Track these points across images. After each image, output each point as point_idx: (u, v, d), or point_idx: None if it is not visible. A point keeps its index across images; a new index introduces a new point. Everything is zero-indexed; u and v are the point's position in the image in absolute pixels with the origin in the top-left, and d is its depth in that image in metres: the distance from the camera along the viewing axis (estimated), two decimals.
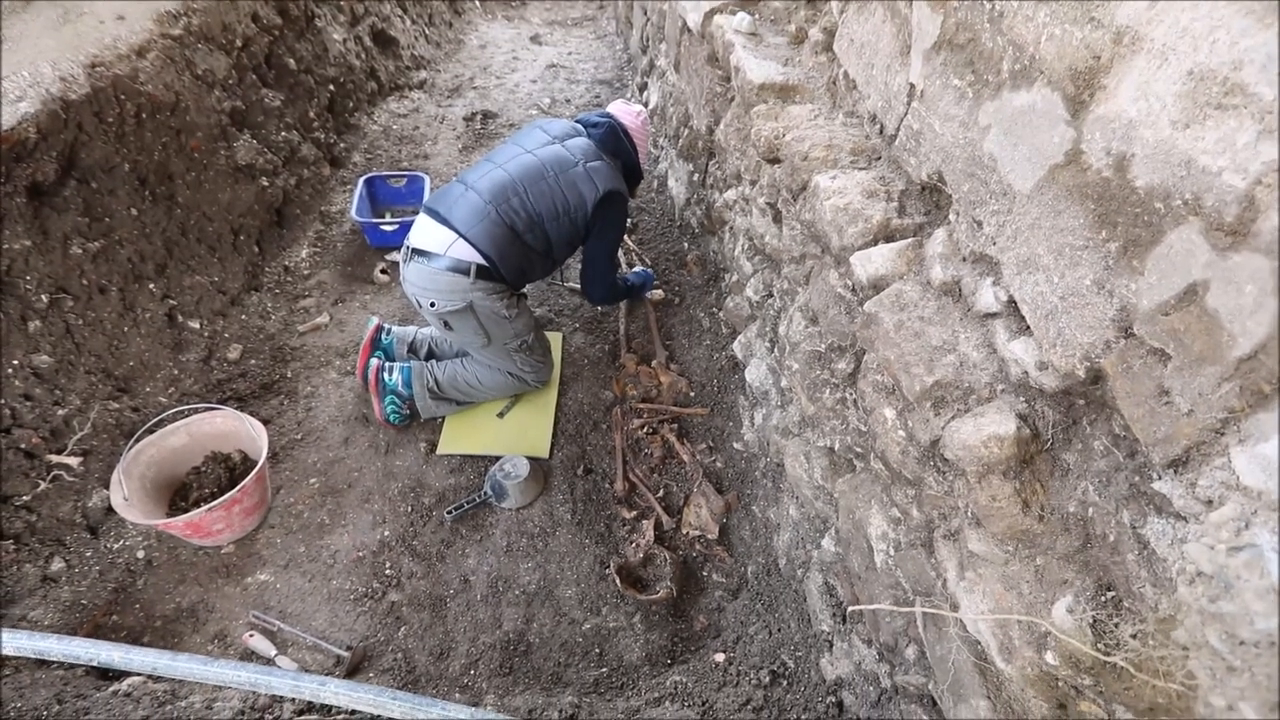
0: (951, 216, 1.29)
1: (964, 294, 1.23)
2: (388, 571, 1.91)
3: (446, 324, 2.07)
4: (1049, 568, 1.00)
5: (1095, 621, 0.89)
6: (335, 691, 1.01)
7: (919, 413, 1.20)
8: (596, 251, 2.22)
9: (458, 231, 1.97)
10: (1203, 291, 0.76)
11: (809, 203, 1.63)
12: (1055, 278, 0.99)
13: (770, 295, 2.10)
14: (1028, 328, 1.06)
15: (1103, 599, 0.91)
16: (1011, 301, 1.11)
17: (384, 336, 2.34)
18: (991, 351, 1.15)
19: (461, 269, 1.96)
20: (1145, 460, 0.87)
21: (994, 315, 1.15)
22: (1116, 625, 0.87)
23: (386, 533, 2.00)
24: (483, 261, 1.97)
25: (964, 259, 1.24)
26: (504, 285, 2.06)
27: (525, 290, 2.32)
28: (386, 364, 2.22)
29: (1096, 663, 0.88)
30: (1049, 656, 0.95)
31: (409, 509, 2.06)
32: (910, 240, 1.39)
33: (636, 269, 2.84)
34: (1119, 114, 0.87)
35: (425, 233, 2.03)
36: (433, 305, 2.01)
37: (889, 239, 1.43)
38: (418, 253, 2.01)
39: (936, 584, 1.18)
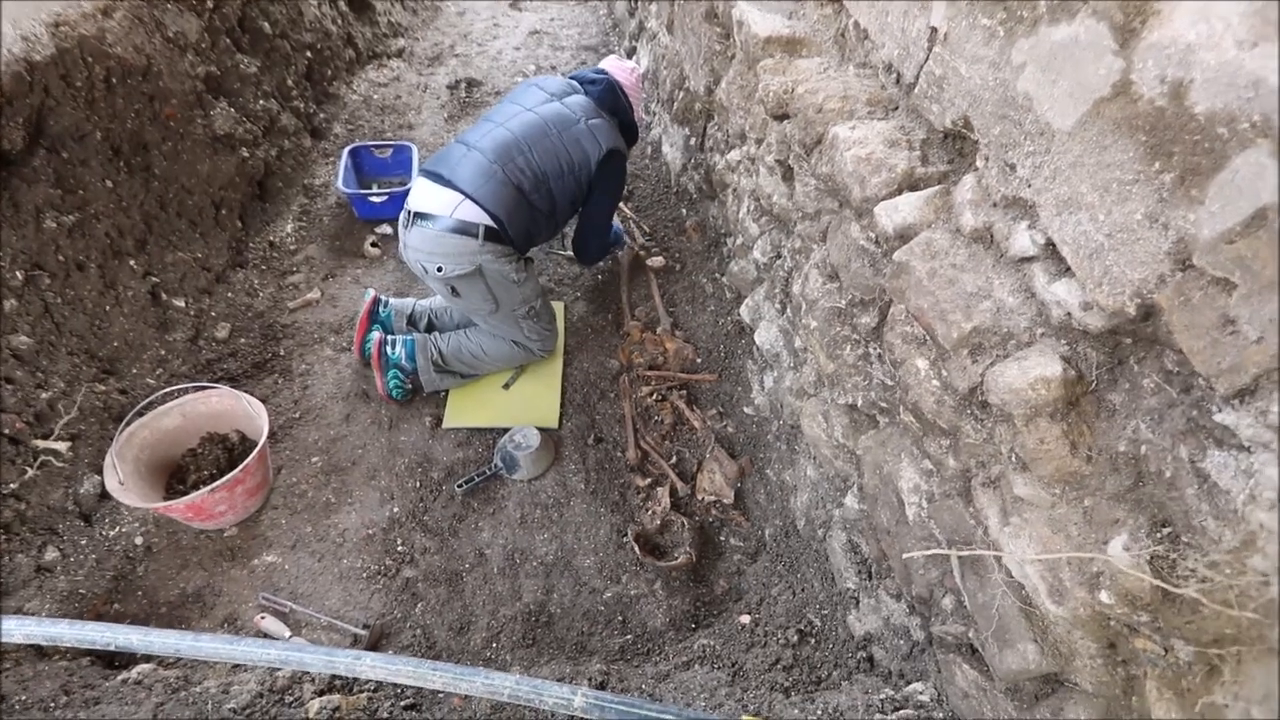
0: (979, 162, 1.26)
1: (996, 239, 1.20)
2: (400, 548, 1.86)
3: (454, 290, 2.00)
4: (1098, 508, 0.99)
5: (1154, 557, 0.88)
6: (372, 665, 0.98)
7: (955, 360, 1.18)
8: (598, 210, 2.17)
9: (464, 192, 1.90)
10: (1273, 215, 0.74)
11: (827, 155, 1.59)
12: (1101, 215, 0.97)
13: (779, 256, 2.06)
14: (1068, 269, 1.04)
15: (1159, 535, 0.90)
16: (1050, 244, 1.08)
17: (381, 309, 2.27)
18: (1028, 296, 1.13)
19: (469, 231, 1.90)
20: (1204, 393, 0.85)
21: (1030, 259, 1.13)
22: (1176, 560, 0.86)
23: (396, 509, 1.95)
24: (490, 223, 1.91)
25: (994, 204, 1.21)
26: (511, 248, 1.99)
27: (531, 255, 2.26)
28: (389, 337, 2.15)
29: (1155, 598, 0.88)
30: (1103, 595, 0.94)
31: (417, 484, 2.01)
32: (937, 188, 1.36)
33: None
34: (1175, 39, 0.84)
35: (427, 195, 1.95)
36: (440, 270, 1.94)
37: (913, 188, 1.40)
38: (420, 216, 1.94)
39: (976, 532, 1.18)
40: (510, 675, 0.97)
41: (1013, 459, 1.10)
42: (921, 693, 1.27)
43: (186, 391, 1.98)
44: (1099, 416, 1.02)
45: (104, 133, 2.10)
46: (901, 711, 1.22)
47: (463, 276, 1.94)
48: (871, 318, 1.48)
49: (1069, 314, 1.03)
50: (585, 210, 2.17)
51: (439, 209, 1.91)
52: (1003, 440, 1.11)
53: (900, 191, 1.40)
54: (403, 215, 2.00)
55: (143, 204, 2.26)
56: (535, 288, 2.14)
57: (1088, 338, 1.03)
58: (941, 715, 1.21)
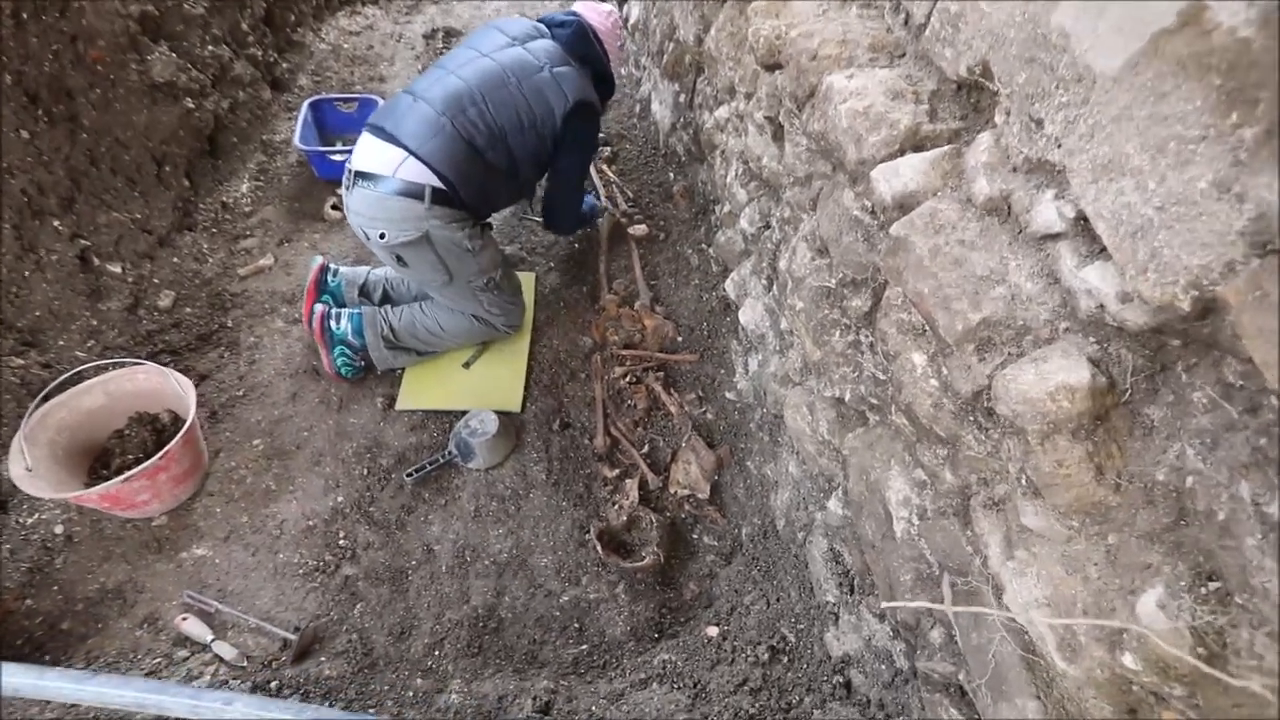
0: (998, 118, 1.04)
1: (1014, 212, 1.00)
2: (341, 542, 1.71)
3: (400, 259, 1.80)
4: (1125, 548, 0.81)
5: (1196, 622, 0.70)
6: (244, 710, 0.82)
7: (958, 358, 0.98)
8: (567, 171, 1.95)
9: (407, 149, 1.69)
10: None
11: (819, 109, 1.36)
12: (1151, 183, 0.76)
13: (768, 226, 1.85)
14: (1103, 250, 0.84)
15: (1203, 591, 0.72)
16: (1081, 218, 0.88)
17: (330, 278, 2.07)
18: (1051, 282, 0.93)
19: (414, 193, 1.69)
20: (1278, 417, 0.66)
21: (1055, 236, 0.93)
22: (1225, 628, 0.68)
23: (340, 499, 1.79)
24: (438, 184, 1.70)
25: (1015, 169, 1.00)
26: (465, 213, 1.79)
27: (491, 221, 2.05)
28: (333, 310, 1.96)
29: (1196, 672, 0.70)
30: (1127, 659, 0.77)
31: (365, 472, 1.85)
32: (945, 149, 1.14)
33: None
34: None
35: (370, 153, 1.75)
36: (383, 237, 1.74)
37: (918, 148, 1.18)
38: (362, 176, 1.74)
39: (974, 561, 1.00)
40: None
41: (1022, 481, 0.91)
42: None
43: (115, 367, 1.80)
44: (1133, 435, 0.83)
45: (15, 76, 1.88)
46: None
47: (408, 244, 1.74)
48: (863, 301, 1.29)
49: (1102, 306, 0.83)
50: (552, 170, 1.94)
51: (382, 168, 1.70)
52: (1011, 457, 0.93)
53: (902, 152, 1.18)
54: (345, 175, 1.80)
55: (68, 158, 2.05)
56: (494, 257, 1.94)
57: (1123, 337, 0.83)
58: None
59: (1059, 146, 0.90)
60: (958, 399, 1.00)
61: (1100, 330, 0.86)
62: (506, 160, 1.80)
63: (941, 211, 1.06)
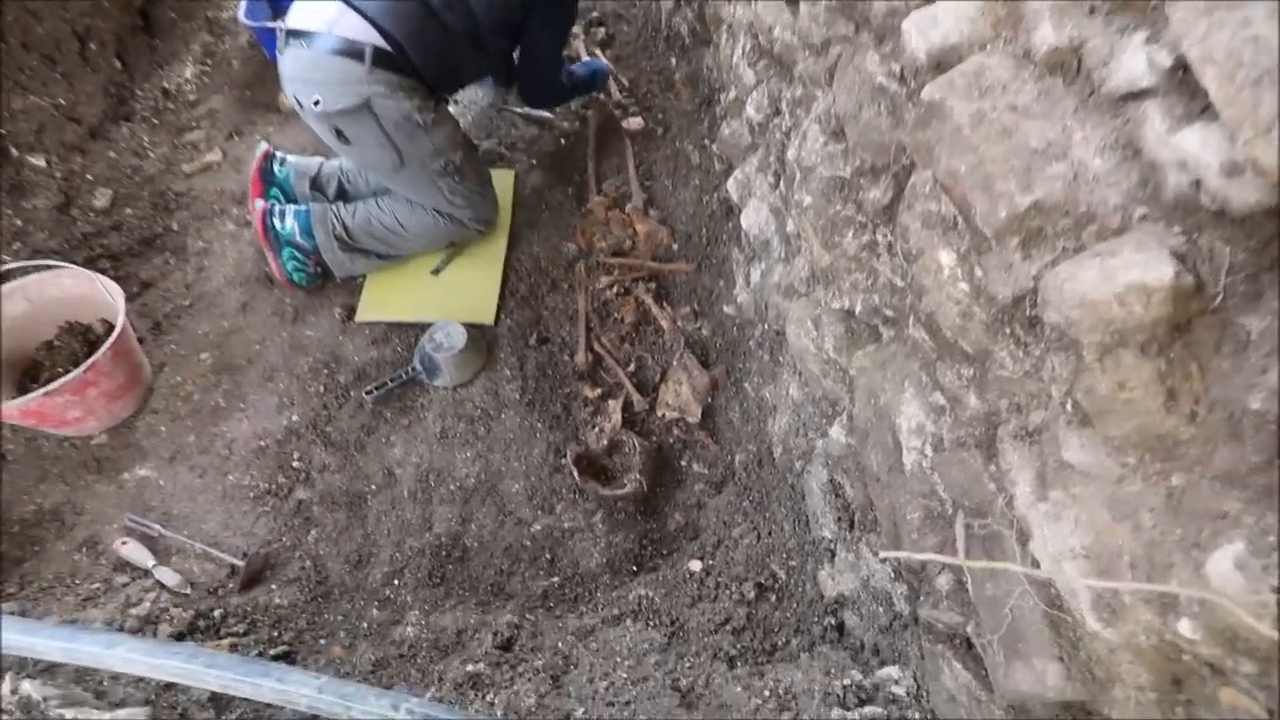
0: None
1: (1086, 66, 0.77)
2: (295, 464, 1.59)
3: (340, 134, 1.58)
4: (1194, 492, 0.65)
5: None
6: (126, 656, 0.70)
7: (997, 254, 0.79)
8: (537, 39, 1.69)
9: (346, 0, 1.43)
10: None
11: None
12: None
13: (777, 112, 1.61)
14: (1206, 108, 0.63)
15: None
16: (1180, 67, 0.66)
17: (277, 167, 1.83)
18: (1128, 156, 0.72)
19: (353, 52, 1.46)
20: None
21: (1141, 95, 0.70)
22: None
23: (294, 417, 1.66)
24: (382, 43, 1.47)
25: (1092, 9, 0.77)
26: (415, 81, 1.54)
27: (454, 97, 1.79)
28: (278, 207, 1.74)
29: (1274, 647, 0.56)
30: (1183, 626, 0.62)
31: (321, 389, 1.70)
32: None
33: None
34: None
35: (305, 8, 1.51)
36: (317, 104, 1.51)
37: None
38: (295, 35, 1.49)
39: (996, 501, 0.85)
40: (313, 679, 0.69)
41: (1068, 407, 0.74)
42: (896, 682, 1.01)
43: (35, 270, 1.62)
44: (1220, 352, 0.64)
45: None
46: (869, 707, 0.96)
47: (347, 113, 1.51)
48: (883, 191, 1.08)
49: (1198, 183, 0.63)
50: (523, 38, 1.67)
51: (317, 24, 1.47)
52: (1056, 378, 0.75)
53: None
54: (278, 36, 1.53)
55: None
56: (452, 136, 1.69)
57: (1222, 224, 0.63)
58: (919, 717, 0.95)
59: None
60: (992, 306, 0.81)
61: (1190, 217, 0.66)
62: (465, 21, 1.53)
63: (990, 69, 0.83)
